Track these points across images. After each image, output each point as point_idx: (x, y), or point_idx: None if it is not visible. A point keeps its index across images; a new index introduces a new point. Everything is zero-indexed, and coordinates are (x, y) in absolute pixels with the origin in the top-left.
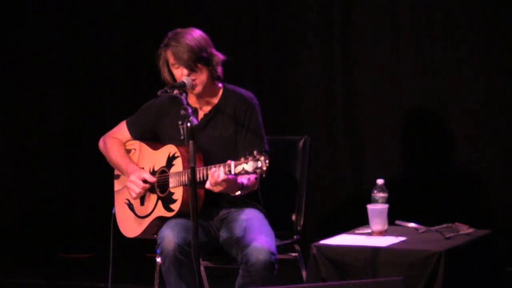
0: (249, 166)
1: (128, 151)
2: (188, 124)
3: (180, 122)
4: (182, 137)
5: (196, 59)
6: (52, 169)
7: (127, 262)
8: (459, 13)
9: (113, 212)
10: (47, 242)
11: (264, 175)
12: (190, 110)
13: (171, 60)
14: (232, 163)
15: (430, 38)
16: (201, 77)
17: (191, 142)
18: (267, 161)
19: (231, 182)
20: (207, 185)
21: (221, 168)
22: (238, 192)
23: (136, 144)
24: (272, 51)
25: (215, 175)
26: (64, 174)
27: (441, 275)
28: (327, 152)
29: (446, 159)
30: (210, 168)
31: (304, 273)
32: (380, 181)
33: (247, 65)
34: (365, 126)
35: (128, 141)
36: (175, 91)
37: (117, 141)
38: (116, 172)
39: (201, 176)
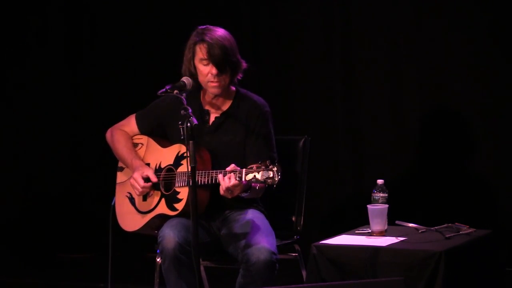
0: (260, 175)
1: (135, 145)
2: (188, 124)
3: (180, 122)
4: (182, 137)
5: (227, 61)
6: (52, 169)
7: (127, 262)
8: (464, 11)
9: (112, 203)
10: (47, 242)
11: (274, 186)
12: (190, 110)
13: (202, 55)
14: (244, 170)
15: (430, 38)
16: (225, 80)
17: (191, 142)
18: (279, 173)
19: (241, 186)
20: (221, 192)
21: (232, 174)
22: (245, 194)
23: (144, 139)
24: (272, 51)
25: (226, 181)
26: (64, 174)
27: (441, 275)
28: (327, 152)
29: (446, 159)
30: (220, 173)
31: (304, 273)
32: (380, 181)
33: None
34: (365, 126)
35: (136, 135)
36: (175, 91)
37: (124, 134)
38: (120, 164)
39: (209, 179)
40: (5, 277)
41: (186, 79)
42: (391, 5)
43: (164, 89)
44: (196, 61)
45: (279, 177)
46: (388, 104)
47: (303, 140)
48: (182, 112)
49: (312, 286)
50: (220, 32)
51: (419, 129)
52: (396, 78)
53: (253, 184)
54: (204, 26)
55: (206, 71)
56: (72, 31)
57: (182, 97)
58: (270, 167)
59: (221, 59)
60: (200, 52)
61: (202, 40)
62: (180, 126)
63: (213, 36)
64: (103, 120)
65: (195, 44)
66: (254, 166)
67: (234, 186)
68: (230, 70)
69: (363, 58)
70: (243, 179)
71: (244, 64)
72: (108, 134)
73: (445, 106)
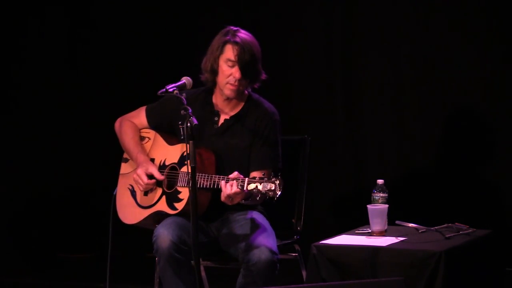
0: (262, 186)
1: (142, 139)
2: (188, 124)
3: (180, 122)
4: (182, 137)
5: (252, 68)
6: (52, 169)
7: (127, 262)
8: (468, 11)
9: (114, 193)
10: (47, 242)
11: (275, 199)
12: (190, 110)
13: (231, 56)
14: (246, 179)
15: (431, 37)
16: (244, 86)
17: (191, 142)
18: (281, 187)
19: (243, 195)
20: (222, 198)
21: (234, 182)
22: (245, 201)
23: (151, 134)
24: (272, 51)
25: (228, 188)
26: (64, 174)
27: (441, 275)
28: (327, 152)
29: (446, 160)
30: (223, 179)
31: (304, 273)
32: (380, 181)
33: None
34: (365, 126)
35: (144, 127)
36: (175, 91)
37: (133, 126)
38: (125, 155)
39: (211, 183)
40: (5, 277)
41: (186, 79)
42: (391, 5)
43: (164, 89)
44: (221, 60)
45: (280, 191)
46: (388, 104)
47: (303, 140)
48: (182, 112)
49: (312, 286)
50: (250, 37)
51: (419, 129)
52: (396, 78)
53: (254, 193)
54: (235, 28)
55: (229, 73)
56: (73, 28)
57: (182, 97)
58: (272, 179)
59: (248, 64)
60: (230, 52)
61: (235, 42)
62: (180, 126)
63: (245, 40)
64: (103, 121)
65: (225, 43)
66: (257, 176)
67: (236, 194)
68: (250, 77)
69: (364, 58)
70: (245, 188)
71: (263, 76)
72: (117, 124)
73: (445, 106)
